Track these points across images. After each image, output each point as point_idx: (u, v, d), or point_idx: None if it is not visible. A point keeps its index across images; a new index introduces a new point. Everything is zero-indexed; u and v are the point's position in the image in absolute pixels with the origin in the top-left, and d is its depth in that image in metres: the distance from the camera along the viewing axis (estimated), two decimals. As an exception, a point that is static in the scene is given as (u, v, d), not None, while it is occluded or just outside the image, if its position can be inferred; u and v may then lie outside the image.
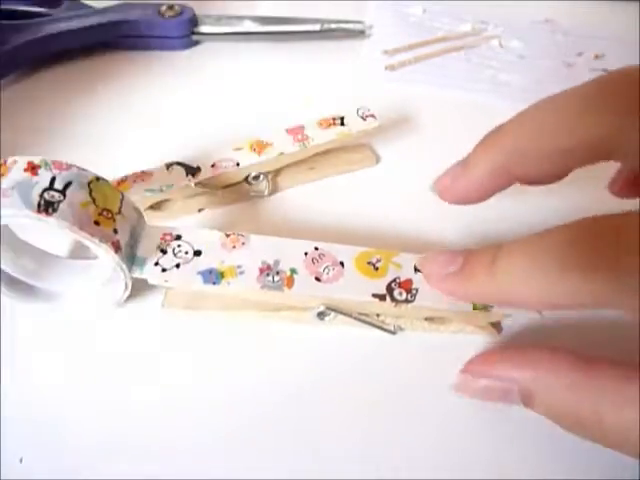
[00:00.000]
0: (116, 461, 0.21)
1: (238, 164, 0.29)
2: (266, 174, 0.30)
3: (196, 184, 0.28)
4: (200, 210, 0.30)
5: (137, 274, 0.22)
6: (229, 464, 0.22)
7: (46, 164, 0.20)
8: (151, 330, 0.25)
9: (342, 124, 0.31)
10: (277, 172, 0.31)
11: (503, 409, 0.23)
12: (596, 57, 0.42)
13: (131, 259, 0.22)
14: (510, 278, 0.19)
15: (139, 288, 0.25)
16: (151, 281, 0.23)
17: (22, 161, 0.20)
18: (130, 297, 0.25)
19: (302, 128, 0.31)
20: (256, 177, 0.30)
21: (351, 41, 0.43)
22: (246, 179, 0.30)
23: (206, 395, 0.23)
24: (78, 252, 0.26)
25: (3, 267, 0.23)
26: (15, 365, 0.24)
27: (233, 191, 0.30)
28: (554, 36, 0.44)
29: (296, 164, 0.31)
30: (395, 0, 0.47)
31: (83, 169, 0.21)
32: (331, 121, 0.31)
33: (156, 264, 0.23)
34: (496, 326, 0.25)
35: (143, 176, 0.28)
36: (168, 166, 0.29)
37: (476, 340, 0.25)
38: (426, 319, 0.25)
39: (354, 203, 0.31)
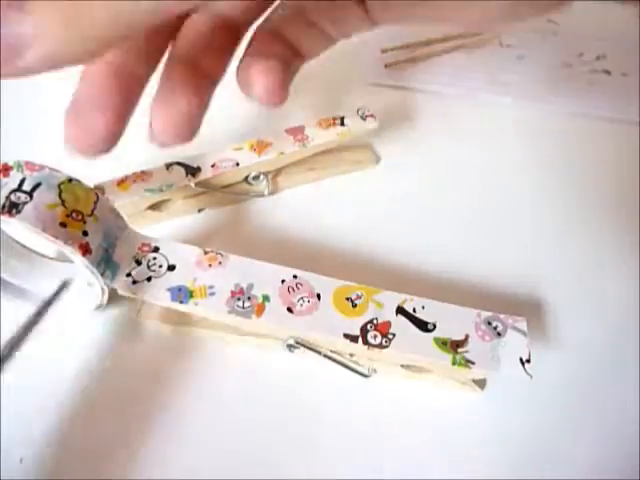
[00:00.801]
0: (115, 461, 0.21)
1: (238, 164, 0.29)
2: (266, 174, 0.30)
3: (196, 184, 0.28)
4: (200, 210, 0.30)
5: (108, 280, 0.22)
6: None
7: (19, 166, 0.21)
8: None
9: (342, 124, 0.31)
10: (277, 172, 0.31)
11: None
12: (597, 58, 0.42)
13: (105, 262, 0.22)
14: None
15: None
16: (120, 292, 0.22)
17: None
18: (117, 301, 0.24)
19: (302, 128, 0.31)
20: (256, 177, 0.30)
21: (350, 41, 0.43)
22: (246, 179, 0.30)
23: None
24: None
25: None
26: (15, 365, 0.24)
27: (233, 191, 0.30)
28: (554, 36, 0.44)
29: (296, 164, 0.31)
30: None
31: (55, 170, 0.21)
32: (331, 121, 0.31)
33: (128, 275, 0.22)
34: (479, 383, 0.24)
35: (143, 176, 0.28)
36: (168, 166, 0.29)
37: (456, 395, 0.24)
38: (403, 366, 0.23)
39: (354, 203, 0.31)
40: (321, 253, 0.28)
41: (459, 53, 0.42)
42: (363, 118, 0.32)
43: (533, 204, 0.32)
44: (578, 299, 0.27)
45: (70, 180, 0.21)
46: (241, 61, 0.18)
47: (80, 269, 0.22)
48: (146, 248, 0.23)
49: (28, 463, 0.21)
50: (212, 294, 0.22)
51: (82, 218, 0.21)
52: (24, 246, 0.24)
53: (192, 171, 0.28)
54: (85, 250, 0.20)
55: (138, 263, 0.22)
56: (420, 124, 0.36)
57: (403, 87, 0.39)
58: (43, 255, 0.25)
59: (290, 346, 0.23)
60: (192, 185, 0.28)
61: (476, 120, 0.37)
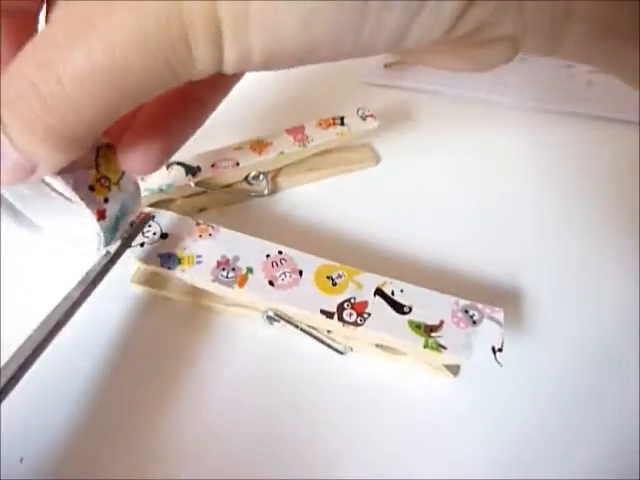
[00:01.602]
0: (113, 460, 0.21)
1: (238, 164, 0.29)
2: (266, 174, 0.30)
3: (196, 184, 0.28)
4: (200, 210, 0.30)
5: (106, 243, 0.22)
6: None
7: None
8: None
9: (342, 124, 0.31)
10: (277, 172, 0.31)
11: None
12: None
13: (114, 229, 0.22)
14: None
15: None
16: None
17: None
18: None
19: (302, 128, 0.31)
20: (256, 177, 0.30)
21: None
22: (246, 179, 0.30)
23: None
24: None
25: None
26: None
27: (233, 191, 0.30)
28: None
29: (296, 164, 0.31)
30: None
31: None
32: (331, 121, 0.31)
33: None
34: (452, 369, 0.24)
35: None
36: (168, 165, 0.29)
37: (429, 379, 0.24)
38: (378, 346, 0.24)
39: (354, 203, 0.31)
40: (320, 253, 0.28)
41: (459, 53, 0.42)
42: (363, 118, 0.32)
43: (533, 203, 0.32)
44: (577, 299, 0.27)
45: (108, 146, 0.21)
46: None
47: (86, 224, 0.22)
48: (143, 215, 0.24)
49: (28, 463, 0.21)
50: (199, 262, 0.23)
51: (108, 185, 0.21)
52: (50, 187, 0.25)
53: (192, 171, 0.29)
54: (101, 216, 0.21)
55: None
56: (420, 124, 0.36)
57: (403, 87, 0.39)
58: (53, 190, 0.25)
59: (270, 318, 0.24)
60: (192, 185, 0.28)
61: (476, 120, 0.37)
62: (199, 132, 0.35)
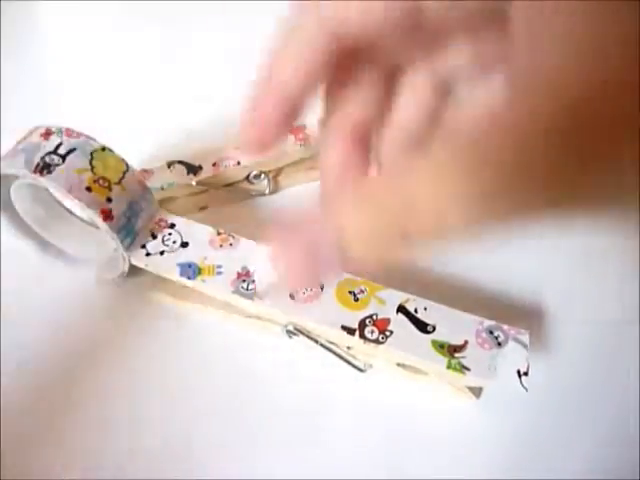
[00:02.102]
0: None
1: (239, 163, 0.29)
2: (267, 173, 0.30)
3: (197, 183, 0.29)
4: (201, 208, 0.30)
5: (127, 248, 0.23)
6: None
7: (59, 131, 0.22)
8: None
9: (343, 123, 0.31)
10: (278, 171, 0.31)
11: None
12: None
13: (127, 231, 0.22)
14: None
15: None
16: (134, 262, 0.23)
17: (43, 128, 0.22)
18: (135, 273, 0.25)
19: (303, 127, 0.31)
20: (257, 176, 0.30)
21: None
22: (247, 178, 0.30)
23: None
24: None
25: (19, 210, 0.24)
26: (15, 362, 0.24)
27: (234, 190, 0.30)
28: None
29: (297, 163, 0.31)
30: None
31: (92, 139, 0.22)
32: (332, 120, 0.31)
33: (143, 246, 0.23)
34: (474, 390, 0.23)
35: (144, 174, 0.28)
36: (169, 164, 0.29)
37: (449, 400, 0.23)
38: (399, 365, 0.23)
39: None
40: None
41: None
42: (364, 117, 0.32)
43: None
44: (578, 305, 0.27)
45: (103, 149, 0.22)
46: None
47: (105, 235, 0.22)
48: (163, 223, 0.24)
49: (28, 463, 0.21)
50: (219, 273, 0.23)
51: (108, 185, 0.22)
52: (66, 208, 0.25)
53: (193, 170, 0.29)
54: (107, 216, 0.21)
55: (154, 237, 0.23)
56: (421, 124, 0.36)
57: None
58: (82, 219, 0.26)
59: (289, 332, 0.24)
60: (193, 184, 0.28)
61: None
62: (200, 131, 0.35)
